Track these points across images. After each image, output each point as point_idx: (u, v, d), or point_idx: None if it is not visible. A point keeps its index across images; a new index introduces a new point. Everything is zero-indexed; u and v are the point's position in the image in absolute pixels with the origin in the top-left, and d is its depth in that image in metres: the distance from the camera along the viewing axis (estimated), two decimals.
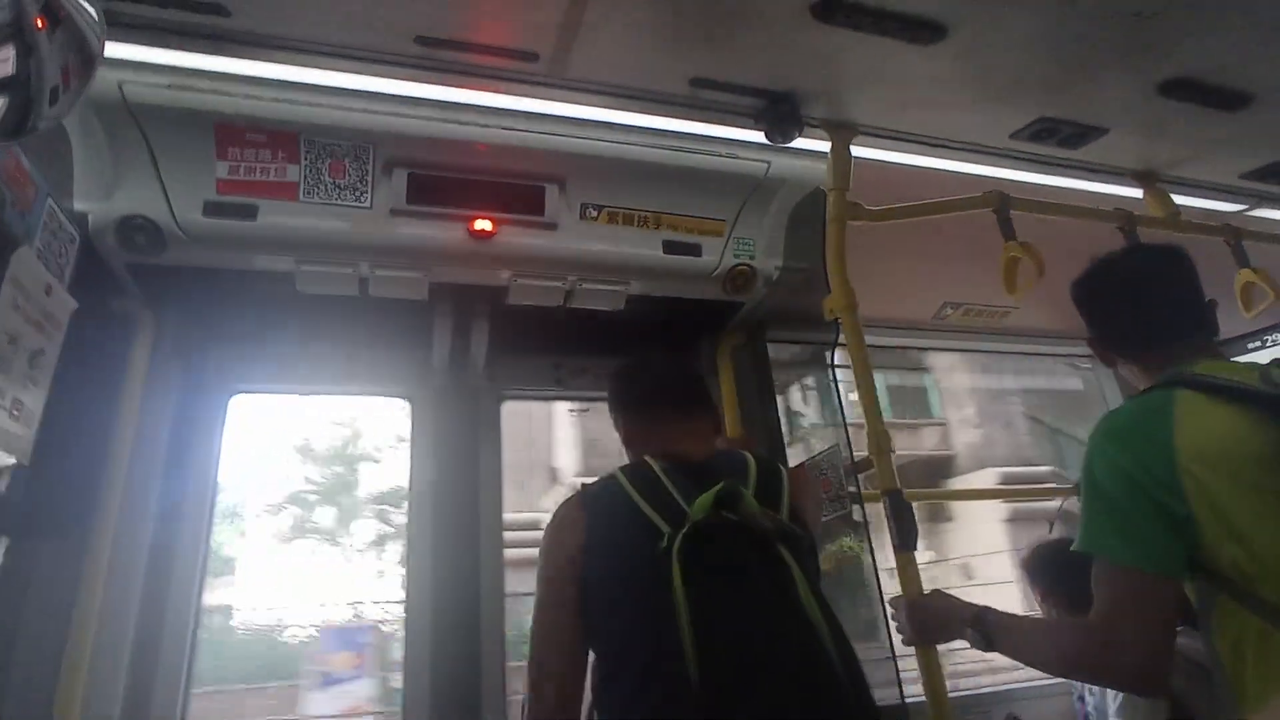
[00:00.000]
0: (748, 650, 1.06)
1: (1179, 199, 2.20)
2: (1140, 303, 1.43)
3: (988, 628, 1.34)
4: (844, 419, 1.88)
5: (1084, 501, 1.26)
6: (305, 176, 1.73)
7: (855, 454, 1.83)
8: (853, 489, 1.84)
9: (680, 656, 1.06)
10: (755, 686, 1.05)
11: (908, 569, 1.55)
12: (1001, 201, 1.88)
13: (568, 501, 1.40)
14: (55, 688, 1.54)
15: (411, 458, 2.15)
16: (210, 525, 1.95)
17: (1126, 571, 1.16)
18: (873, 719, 1.14)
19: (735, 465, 1.37)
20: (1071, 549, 1.28)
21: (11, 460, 1.37)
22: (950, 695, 1.48)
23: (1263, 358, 2.78)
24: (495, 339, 2.14)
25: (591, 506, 1.35)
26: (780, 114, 1.74)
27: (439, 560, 2.03)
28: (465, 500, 2.12)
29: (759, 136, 1.83)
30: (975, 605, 1.41)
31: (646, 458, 1.39)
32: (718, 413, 1.54)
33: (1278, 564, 1.08)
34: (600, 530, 1.30)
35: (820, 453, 1.91)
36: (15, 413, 1.35)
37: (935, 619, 1.47)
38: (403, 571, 2.08)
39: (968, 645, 1.39)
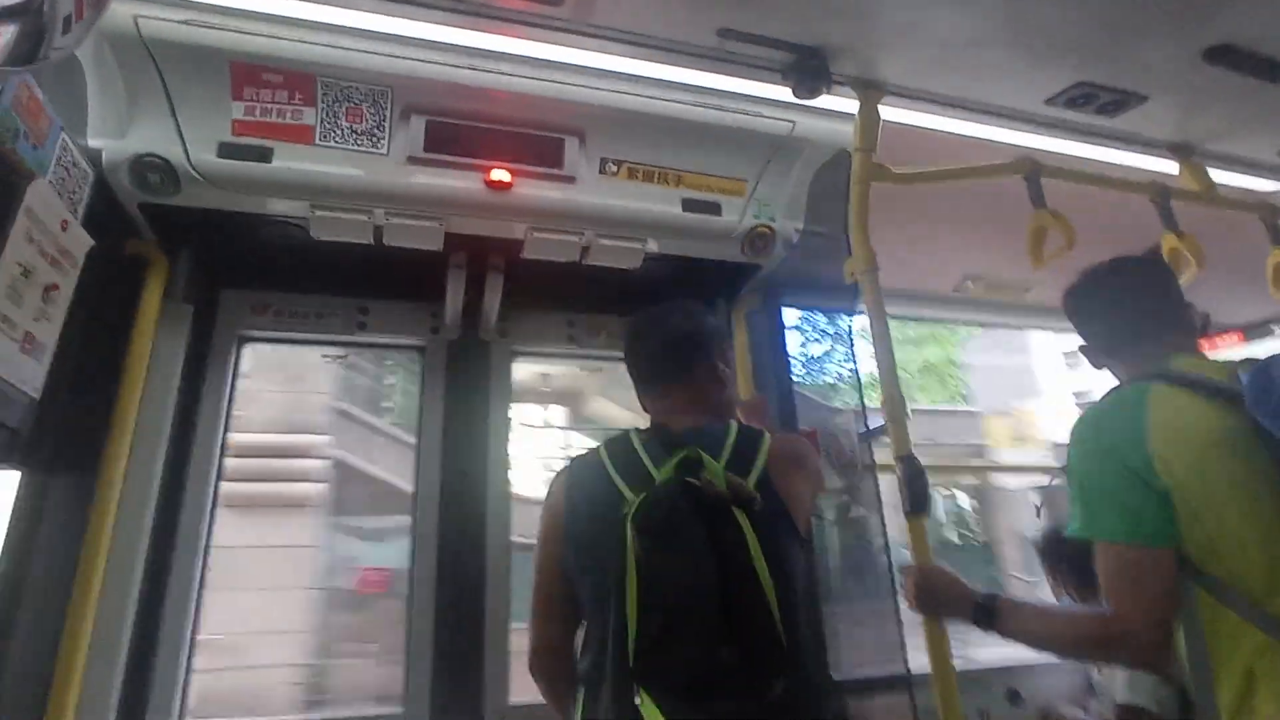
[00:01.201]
0: (678, 600, 1.10)
1: (1216, 174, 2.14)
2: (1119, 310, 1.54)
3: (997, 609, 1.37)
4: (859, 384, 1.86)
5: (1073, 491, 1.32)
6: (322, 120, 1.70)
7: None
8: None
9: (625, 616, 1.11)
10: (681, 634, 1.08)
11: (919, 535, 1.54)
12: (1032, 168, 1.84)
13: (559, 473, 1.46)
14: (65, 617, 1.56)
15: (420, 410, 2.15)
16: (220, 467, 1.95)
17: (1126, 548, 1.22)
18: (803, 683, 1.16)
19: (715, 434, 1.39)
20: (1067, 534, 1.31)
21: (24, 393, 1.37)
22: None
23: None
24: (509, 294, 2.11)
25: (574, 478, 1.43)
26: (808, 69, 1.69)
27: (446, 513, 2.04)
28: (474, 454, 2.11)
29: (784, 94, 1.78)
30: (984, 591, 1.45)
31: (631, 431, 1.44)
32: (717, 375, 1.51)
33: (1226, 543, 1.16)
34: (578, 501, 1.38)
35: (833, 418, 1.89)
36: (27, 346, 1.35)
37: (942, 594, 1.48)
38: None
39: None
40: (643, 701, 1.06)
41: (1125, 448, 1.25)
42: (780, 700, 1.10)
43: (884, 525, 1.83)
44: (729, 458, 1.32)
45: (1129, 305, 1.53)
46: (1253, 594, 1.14)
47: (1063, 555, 2.30)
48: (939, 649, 1.48)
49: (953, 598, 1.47)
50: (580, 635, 1.37)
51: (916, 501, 1.54)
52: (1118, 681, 2.16)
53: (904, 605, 1.60)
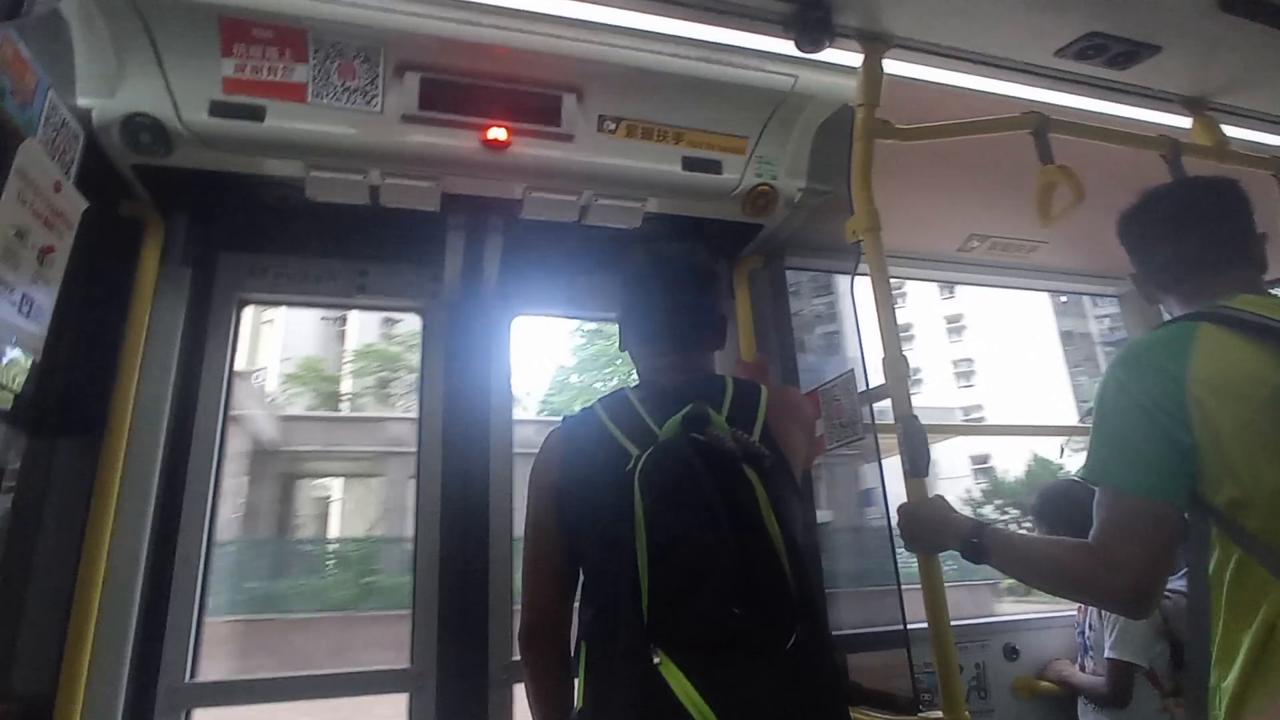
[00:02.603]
0: (693, 559, 1.08)
1: (1228, 129, 2.09)
2: (1181, 236, 1.40)
3: (984, 540, 1.35)
4: (861, 345, 1.84)
5: (1093, 428, 1.26)
6: (314, 77, 1.67)
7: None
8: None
9: (636, 574, 1.10)
10: (699, 592, 1.07)
11: (917, 495, 1.53)
12: (1040, 123, 1.79)
13: (552, 432, 1.42)
14: (76, 579, 1.59)
15: (421, 373, 2.15)
16: (225, 428, 1.96)
17: (1129, 498, 1.18)
18: (816, 633, 1.15)
19: (712, 388, 1.36)
20: (1075, 475, 1.28)
21: (23, 357, 1.37)
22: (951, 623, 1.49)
23: None
24: (509, 255, 2.10)
25: (569, 435, 1.39)
26: (811, 21, 1.64)
27: (449, 476, 2.05)
28: (476, 417, 2.12)
29: (786, 48, 1.73)
30: (973, 519, 1.43)
31: (625, 388, 1.41)
32: (722, 334, 1.49)
33: (1266, 499, 1.10)
34: (575, 458, 1.34)
35: (834, 378, 1.89)
36: (25, 309, 1.35)
37: (932, 525, 1.47)
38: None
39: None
40: (662, 661, 1.05)
41: (1159, 392, 1.18)
42: (795, 653, 1.10)
43: (884, 487, 1.84)
44: (729, 411, 1.30)
45: (1194, 231, 1.39)
46: None
47: (1059, 512, 2.32)
48: (934, 591, 1.48)
49: (942, 530, 1.44)
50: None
51: (917, 463, 1.53)
52: (1106, 636, 2.20)
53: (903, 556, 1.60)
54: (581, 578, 1.32)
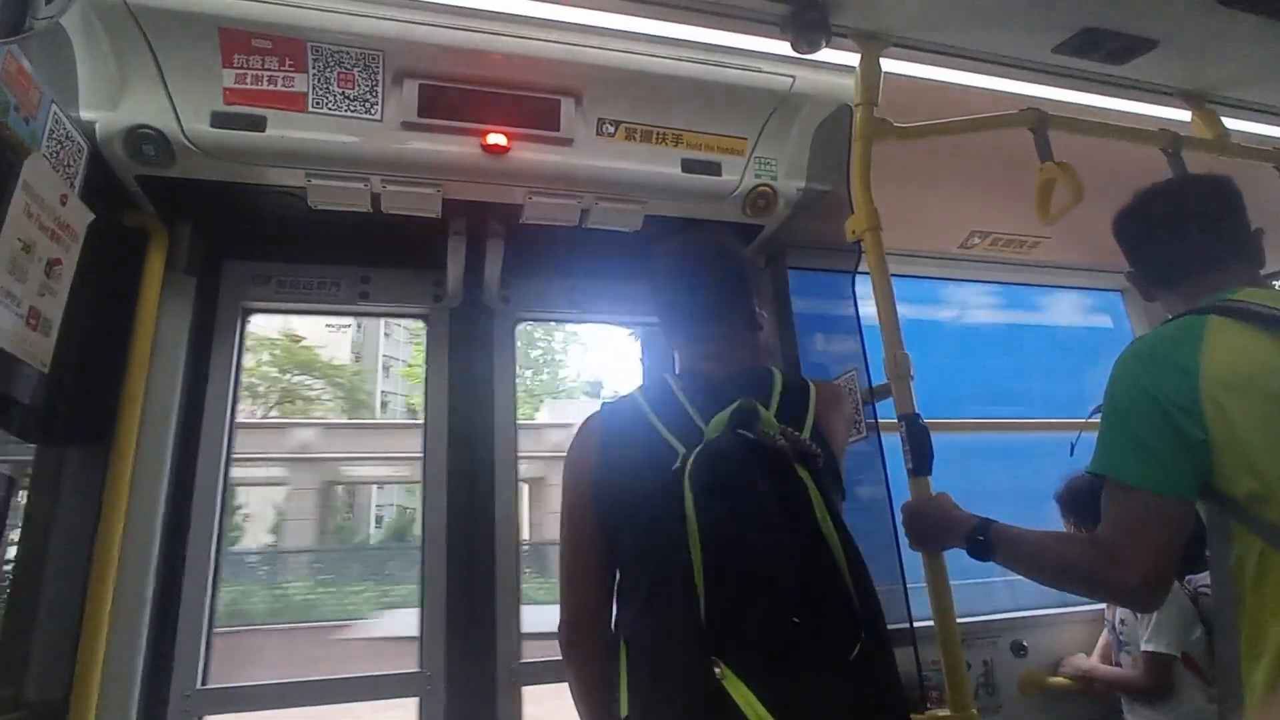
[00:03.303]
0: (754, 567, 1.04)
1: (1229, 122, 2.09)
2: (1179, 232, 1.40)
3: (989, 537, 1.35)
4: (863, 344, 1.85)
5: (1103, 422, 1.25)
6: (313, 86, 1.68)
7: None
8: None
9: (690, 574, 1.05)
10: (759, 602, 1.03)
11: (921, 493, 1.54)
12: (1039, 120, 1.80)
13: (589, 418, 1.37)
14: (88, 587, 1.60)
15: (426, 378, 2.16)
16: (232, 435, 1.98)
17: (1138, 493, 1.17)
18: (881, 643, 1.10)
19: (759, 381, 1.32)
20: (1086, 470, 1.28)
21: (33, 368, 1.39)
22: (958, 621, 1.49)
23: None
24: (511, 259, 2.11)
25: (608, 425, 1.34)
26: (807, 21, 1.65)
27: (454, 481, 2.06)
28: (480, 421, 2.13)
29: (784, 49, 1.74)
30: (977, 516, 1.41)
31: (666, 375, 1.36)
32: (753, 313, 1.44)
33: None
34: (615, 449, 1.29)
35: (838, 377, 1.89)
36: (33, 321, 1.36)
37: (938, 523, 1.47)
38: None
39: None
40: (724, 674, 1.00)
41: (1171, 386, 1.16)
42: (860, 664, 1.06)
43: (888, 484, 1.84)
44: (778, 407, 1.26)
45: (1194, 228, 1.38)
46: None
47: (1086, 505, 2.31)
48: (940, 590, 1.49)
49: (947, 527, 1.44)
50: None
51: (920, 461, 1.54)
52: (1140, 630, 2.18)
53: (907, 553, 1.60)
54: (618, 574, 1.27)
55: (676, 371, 1.43)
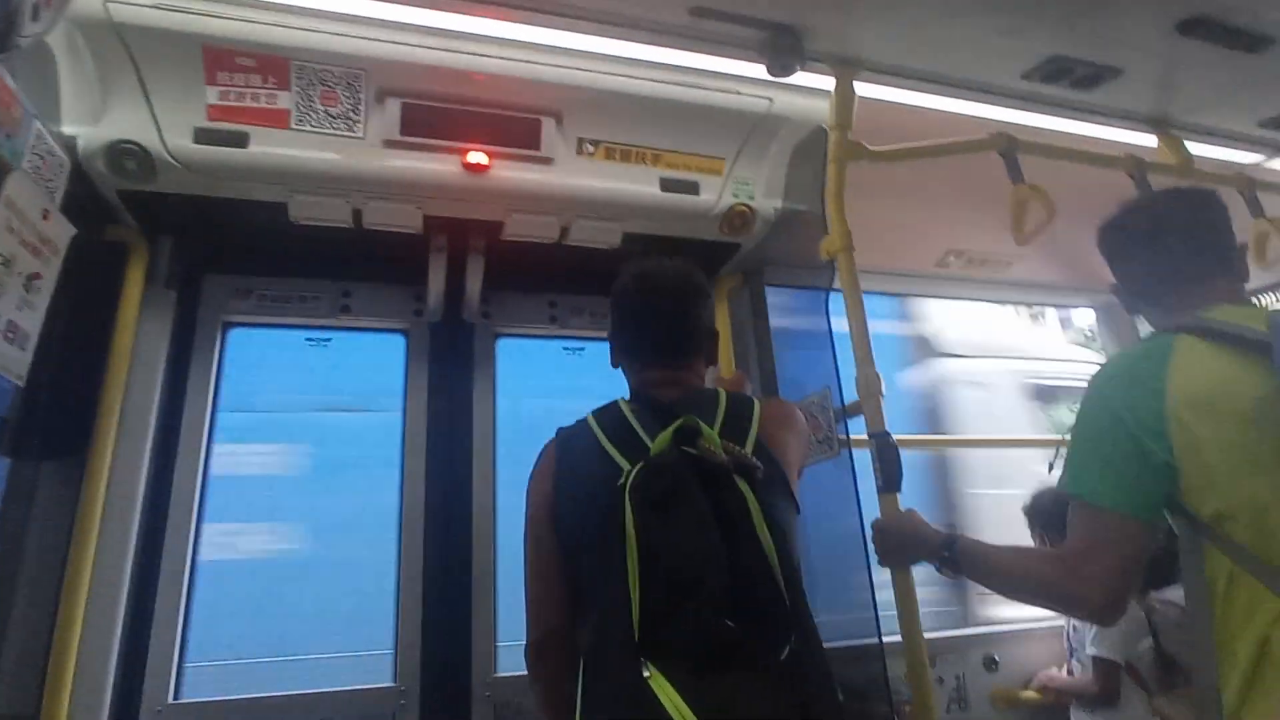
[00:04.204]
0: (685, 574, 1.08)
1: (1192, 147, 2.15)
2: (1162, 246, 1.40)
3: (957, 553, 1.37)
4: (835, 362, 1.88)
5: (1072, 442, 1.28)
6: (297, 104, 1.71)
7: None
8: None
9: (626, 581, 1.09)
10: (689, 605, 1.06)
11: (891, 511, 1.56)
12: (1009, 144, 1.84)
13: (546, 445, 1.42)
14: (60, 601, 1.60)
15: (406, 393, 2.17)
16: (209, 453, 1.98)
17: (1103, 512, 1.20)
18: (811, 646, 1.14)
19: (704, 402, 1.37)
20: (1058, 488, 1.31)
21: (9, 382, 1.39)
22: (927, 636, 1.51)
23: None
24: (491, 275, 2.13)
25: (563, 448, 1.39)
26: (782, 46, 1.69)
27: (431, 495, 2.07)
28: (459, 436, 2.14)
29: (761, 71, 1.78)
30: (945, 531, 1.44)
31: (619, 400, 1.41)
32: (705, 344, 1.50)
33: (1250, 510, 1.10)
34: (569, 471, 1.34)
35: (811, 395, 1.92)
36: (10, 335, 1.37)
37: (906, 540, 1.49)
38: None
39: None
40: (652, 675, 1.03)
41: (1138, 406, 1.17)
42: (788, 665, 1.10)
43: (859, 502, 1.86)
44: (722, 424, 1.30)
45: (1174, 242, 1.38)
46: (1274, 561, 1.07)
47: (1051, 518, 2.36)
48: (907, 606, 1.50)
49: (917, 543, 1.46)
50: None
51: (889, 479, 1.56)
52: (1087, 634, 2.23)
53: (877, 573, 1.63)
54: (579, 593, 1.30)
55: (628, 396, 1.47)
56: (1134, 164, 1.99)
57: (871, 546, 1.56)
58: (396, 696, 1.89)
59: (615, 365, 1.55)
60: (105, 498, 1.69)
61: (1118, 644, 2.17)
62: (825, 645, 1.18)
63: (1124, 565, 1.18)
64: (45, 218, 1.45)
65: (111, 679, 1.68)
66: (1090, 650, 2.22)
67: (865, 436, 1.65)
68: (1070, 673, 2.36)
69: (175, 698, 1.77)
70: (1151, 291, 1.43)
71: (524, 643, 1.33)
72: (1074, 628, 2.36)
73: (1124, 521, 1.18)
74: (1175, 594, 2.07)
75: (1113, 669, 2.18)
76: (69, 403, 1.72)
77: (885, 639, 1.69)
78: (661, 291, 1.48)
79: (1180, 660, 2.06)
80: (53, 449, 1.69)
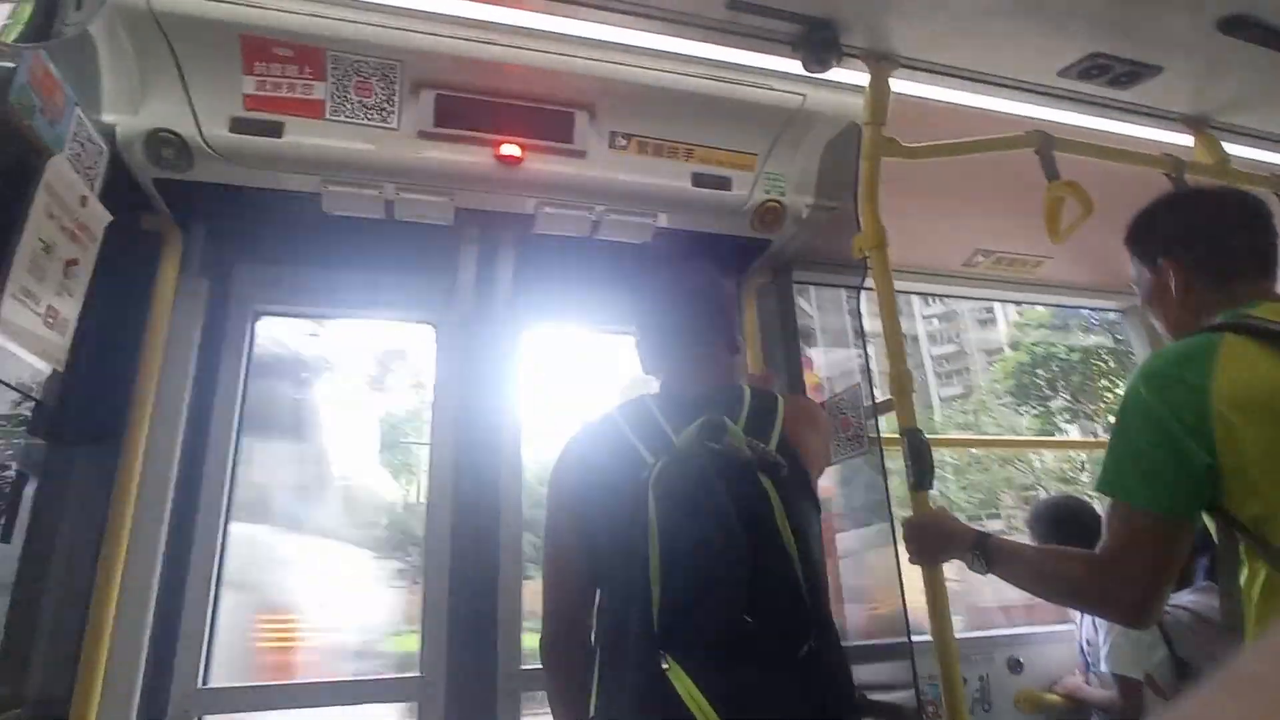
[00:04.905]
0: (705, 569, 1.09)
1: (1230, 147, 2.12)
2: (1204, 238, 1.37)
3: (989, 551, 1.37)
4: (866, 359, 1.87)
5: (1111, 442, 1.25)
6: (332, 95, 1.71)
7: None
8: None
9: (648, 573, 1.10)
10: (709, 599, 1.07)
11: (922, 508, 1.55)
12: (1045, 141, 1.82)
13: (572, 436, 1.43)
14: (93, 586, 1.61)
15: (435, 384, 2.18)
16: (240, 438, 1.99)
17: (1142, 513, 1.17)
18: (830, 643, 1.15)
19: (730, 398, 1.38)
20: (1094, 489, 1.29)
21: (47, 367, 1.41)
22: (956, 636, 1.50)
23: None
24: (521, 268, 2.13)
25: (588, 441, 1.40)
26: (818, 41, 1.68)
27: (460, 486, 2.07)
28: (488, 428, 2.14)
29: (795, 67, 1.77)
30: (977, 529, 1.44)
31: (645, 394, 1.42)
32: (732, 339, 1.53)
33: None
34: (593, 464, 1.35)
35: (841, 392, 1.91)
36: (50, 320, 1.38)
37: (937, 538, 1.49)
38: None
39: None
40: (670, 668, 1.05)
41: (1179, 405, 1.14)
42: (807, 662, 1.10)
43: (889, 499, 1.85)
44: (746, 421, 1.31)
45: (1216, 235, 1.36)
46: None
47: (1053, 527, 2.35)
48: (938, 602, 1.50)
49: (948, 541, 1.46)
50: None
51: (921, 476, 1.55)
52: (1101, 649, 2.19)
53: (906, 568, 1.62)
54: (599, 588, 1.31)
55: (655, 391, 1.49)
56: (1171, 164, 1.97)
57: (901, 544, 1.56)
58: (422, 686, 1.90)
59: (646, 372, 1.57)
60: (139, 482, 1.71)
61: (1133, 658, 2.13)
62: (852, 643, 1.18)
63: (1159, 566, 1.16)
64: (83, 204, 1.46)
65: (143, 662, 1.69)
66: (1105, 665, 2.17)
67: (895, 434, 1.64)
68: (1087, 683, 2.33)
69: (205, 683, 1.79)
70: (1188, 283, 1.37)
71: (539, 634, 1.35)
72: (1087, 641, 2.32)
73: (1161, 522, 1.16)
74: (1186, 598, 2.04)
75: (1135, 688, 2.13)
76: (103, 389, 1.73)
77: (914, 638, 1.68)
78: (676, 282, 1.53)
79: (1196, 665, 2.02)
80: (87, 434, 1.71)
